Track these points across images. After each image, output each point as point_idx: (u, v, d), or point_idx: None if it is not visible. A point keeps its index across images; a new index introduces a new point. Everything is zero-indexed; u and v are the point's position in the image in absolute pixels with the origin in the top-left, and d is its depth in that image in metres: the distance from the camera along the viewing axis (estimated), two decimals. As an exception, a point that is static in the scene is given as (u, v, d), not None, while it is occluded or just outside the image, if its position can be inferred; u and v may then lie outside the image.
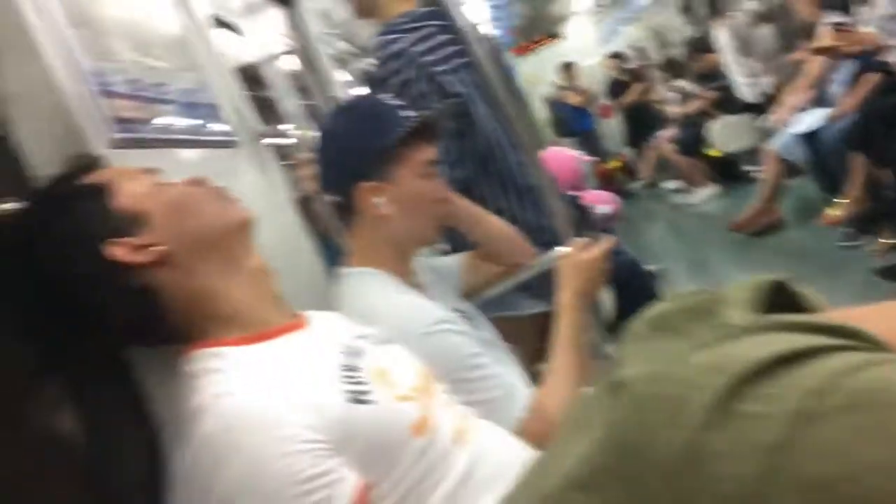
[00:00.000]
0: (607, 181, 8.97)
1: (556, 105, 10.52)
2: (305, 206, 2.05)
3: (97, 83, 1.20)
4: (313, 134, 2.39)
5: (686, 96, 7.84)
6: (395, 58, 1.87)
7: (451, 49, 1.93)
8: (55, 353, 1.07)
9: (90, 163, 1.06)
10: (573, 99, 9.99)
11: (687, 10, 9.20)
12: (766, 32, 6.03)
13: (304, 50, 2.87)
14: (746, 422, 0.43)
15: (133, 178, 1.04)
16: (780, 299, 0.57)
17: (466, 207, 1.65)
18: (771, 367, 0.45)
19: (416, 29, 1.93)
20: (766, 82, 5.81)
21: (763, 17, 6.01)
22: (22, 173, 1.15)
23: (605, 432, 0.48)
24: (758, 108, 5.86)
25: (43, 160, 1.15)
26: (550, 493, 0.50)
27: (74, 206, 0.98)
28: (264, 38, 2.47)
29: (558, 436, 0.59)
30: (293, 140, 1.87)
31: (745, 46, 5.90)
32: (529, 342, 1.77)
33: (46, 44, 1.14)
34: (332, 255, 1.88)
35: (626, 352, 0.55)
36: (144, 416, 1.11)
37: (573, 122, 10.07)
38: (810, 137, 4.13)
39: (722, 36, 6.22)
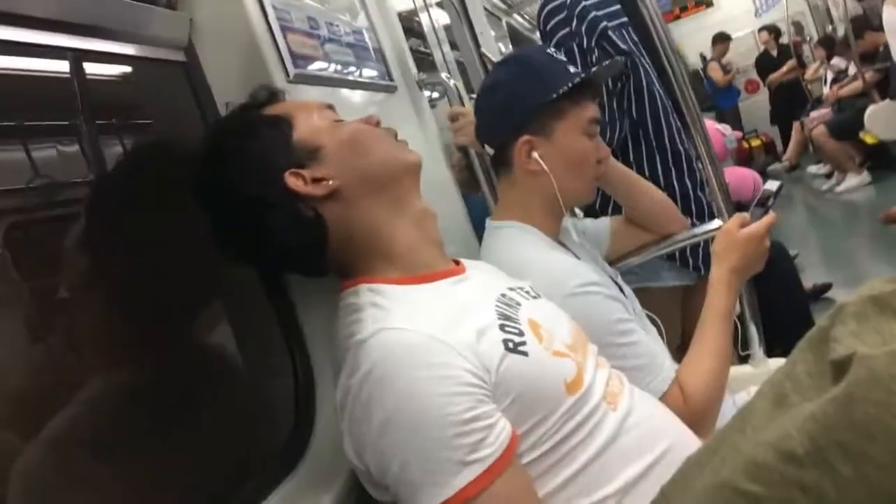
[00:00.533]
0: (747, 159, 8.61)
1: (699, 75, 10.10)
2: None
3: (279, 18, 1.24)
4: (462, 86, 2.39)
5: (843, 76, 7.37)
6: (559, 10, 1.84)
7: (614, 6, 1.88)
8: (224, 272, 1.13)
9: (273, 94, 1.10)
10: (717, 75, 9.56)
11: (855, -17, 8.59)
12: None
13: (459, 1, 2.85)
14: None
15: (312, 113, 1.07)
16: None
17: (622, 171, 1.61)
18: None
19: None
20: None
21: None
22: (202, 98, 1.20)
23: (833, 409, 0.46)
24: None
25: (223, 87, 1.20)
26: (759, 461, 0.48)
27: (260, 134, 1.02)
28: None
29: (749, 413, 0.57)
30: (447, 90, 1.86)
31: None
32: (668, 315, 1.72)
33: (238, -24, 1.17)
34: (471, 208, 1.89)
35: (841, 330, 0.52)
36: (299, 339, 1.16)
37: (716, 96, 9.65)
38: None
39: (891, 14, 5.77)
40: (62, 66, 1.18)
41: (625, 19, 1.88)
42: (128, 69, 1.28)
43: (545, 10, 1.87)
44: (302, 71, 1.25)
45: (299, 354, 1.15)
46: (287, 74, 1.20)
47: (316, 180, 1.01)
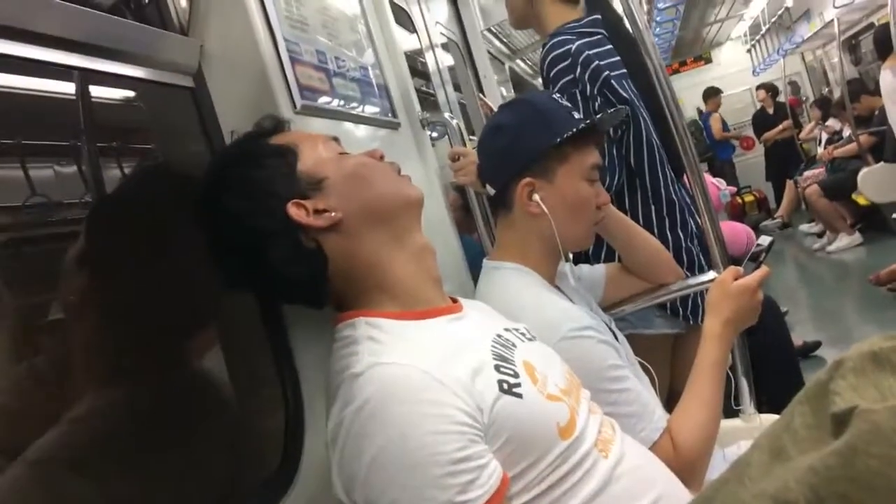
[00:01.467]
0: (740, 214, 8.68)
1: (700, 126, 10.23)
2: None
3: (289, 50, 1.25)
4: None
5: (838, 138, 7.48)
6: (564, 57, 1.86)
7: (615, 57, 1.91)
8: (220, 299, 1.13)
9: (279, 124, 1.10)
10: (716, 126, 9.69)
11: (852, 48, 8.76)
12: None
13: (463, 44, 2.90)
14: None
15: (318, 144, 1.07)
16: None
17: (621, 218, 1.62)
18: None
19: (586, 34, 1.92)
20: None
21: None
22: (208, 124, 1.21)
23: (834, 462, 0.45)
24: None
25: (230, 115, 1.21)
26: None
27: (265, 163, 1.02)
28: (429, 28, 2.50)
29: (746, 464, 0.57)
30: (449, 129, 1.88)
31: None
32: (658, 362, 1.72)
33: (251, 5, 1.19)
34: (465, 248, 1.90)
35: (840, 384, 0.52)
36: (291, 371, 1.15)
37: (714, 147, 9.77)
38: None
39: (887, 79, 5.87)
40: (68, 86, 1.19)
41: (624, 70, 1.92)
42: (134, 92, 1.29)
43: (549, 57, 1.90)
44: (309, 103, 1.26)
45: (291, 386, 1.14)
46: (294, 105, 1.21)
47: (318, 211, 1.01)
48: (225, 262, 1.05)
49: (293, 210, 0.99)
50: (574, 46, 1.86)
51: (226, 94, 1.21)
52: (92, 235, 1.08)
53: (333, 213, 1.01)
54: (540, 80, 2.13)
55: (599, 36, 1.95)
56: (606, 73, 1.84)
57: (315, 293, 1.05)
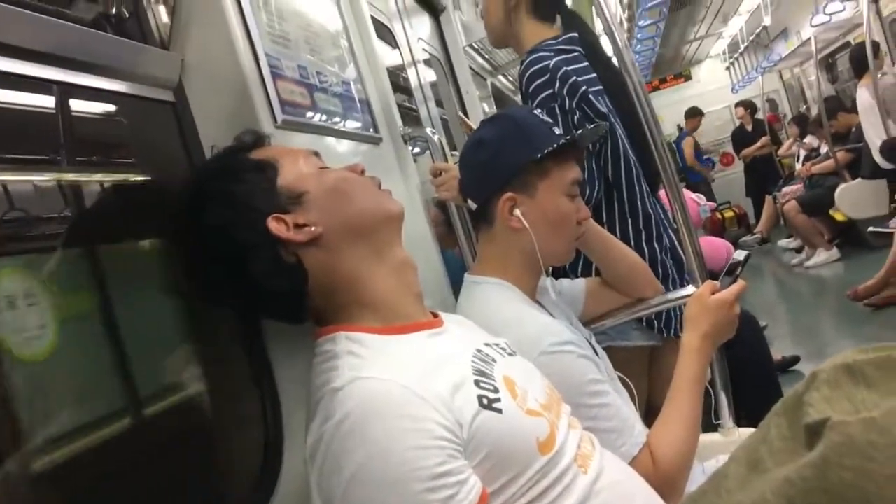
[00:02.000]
0: (720, 230, 8.76)
1: (675, 148, 10.34)
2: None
3: (271, 65, 1.25)
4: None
5: (815, 154, 7.58)
6: (542, 73, 1.88)
7: (592, 74, 1.93)
8: (199, 314, 1.12)
9: (260, 139, 1.10)
10: (689, 152, 9.78)
11: (828, 66, 8.89)
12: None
13: (445, 60, 2.92)
14: None
15: (298, 159, 1.07)
16: None
17: (601, 233, 1.63)
18: None
19: (563, 51, 1.95)
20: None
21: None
22: (189, 139, 1.21)
23: (809, 473, 0.46)
24: (893, 175, 5.59)
25: (211, 129, 1.20)
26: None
27: (245, 178, 1.02)
28: (411, 44, 2.52)
29: (723, 477, 0.57)
30: (431, 144, 1.88)
31: (886, 109, 5.63)
32: (635, 374, 1.74)
33: (233, 21, 1.19)
34: (446, 263, 1.90)
35: (814, 396, 0.53)
36: (270, 385, 1.14)
37: (686, 171, 9.86)
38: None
39: (864, 96, 5.97)
40: (47, 100, 1.18)
41: (601, 87, 1.94)
42: (114, 106, 1.28)
43: (528, 73, 1.91)
44: (290, 117, 1.26)
45: (270, 402, 1.13)
46: (275, 120, 1.21)
47: (299, 226, 1.01)
48: (205, 276, 1.04)
49: (273, 224, 0.99)
50: (552, 62, 1.88)
51: (206, 109, 1.21)
52: (69, 249, 1.07)
53: (314, 228, 1.01)
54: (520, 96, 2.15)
55: (576, 53, 1.97)
56: (584, 88, 1.86)
57: (295, 308, 1.05)
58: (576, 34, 2.01)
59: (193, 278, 1.05)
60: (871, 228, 5.90)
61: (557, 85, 1.86)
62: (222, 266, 1.01)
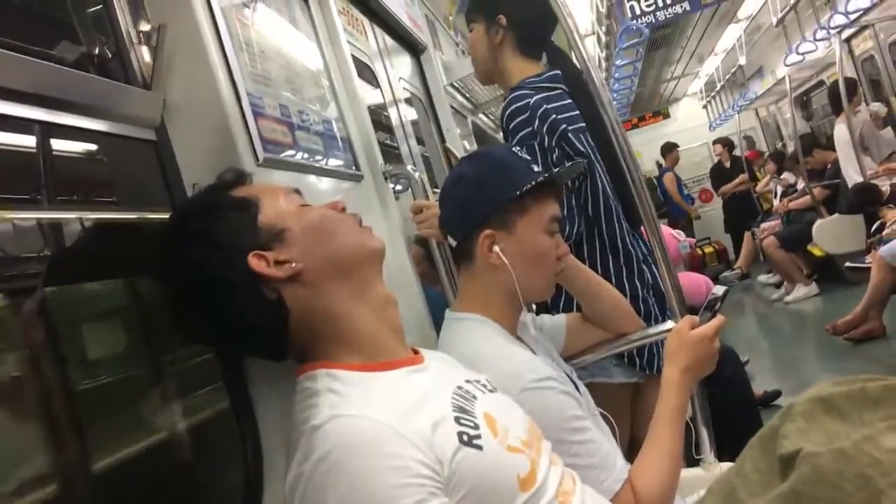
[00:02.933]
0: (700, 265, 8.82)
1: (651, 184, 10.45)
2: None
3: (252, 104, 1.26)
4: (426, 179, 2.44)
5: (792, 190, 7.69)
6: (523, 110, 1.90)
7: (573, 112, 1.95)
8: (180, 352, 1.12)
9: (241, 177, 1.11)
10: (671, 187, 9.89)
11: (803, 104, 9.06)
12: (888, 134, 5.87)
13: (426, 99, 2.95)
14: None
15: (279, 196, 1.08)
16: None
17: (581, 268, 1.65)
18: None
19: (545, 89, 1.97)
20: (883, 184, 5.64)
21: (888, 119, 5.87)
22: (170, 177, 1.21)
23: (783, 503, 0.46)
24: (869, 211, 5.68)
25: (192, 168, 1.21)
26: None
27: (226, 215, 1.02)
28: (392, 83, 2.55)
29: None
30: (412, 182, 1.90)
31: (862, 146, 5.74)
32: (617, 411, 1.74)
33: (215, 61, 1.20)
34: (428, 300, 1.90)
35: (789, 428, 0.54)
36: (250, 422, 1.14)
37: (669, 205, 9.96)
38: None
39: (840, 133, 6.08)
40: (28, 140, 1.18)
41: (582, 124, 1.96)
42: (96, 145, 1.29)
43: (509, 110, 1.94)
44: (271, 156, 1.27)
45: (251, 437, 1.12)
46: (257, 158, 1.22)
47: (279, 263, 1.01)
48: (186, 313, 1.04)
49: (254, 261, 1.00)
50: (532, 100, 1.90)
51: (188, 148, 1.22)
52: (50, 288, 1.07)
53: (294, 264, 1.02)
54: (502, 134, 2.18)
55: (559, 91, 2.00)
56: (564, 126, 1.89)
57: (276, 344, 1.05)
58: (559, 72, 2.04)
59: (174, 315, 1.05)
60: (847, 264, 5.97)
61: (537, 123, 1.88)
62: (203, 302, 1.01)
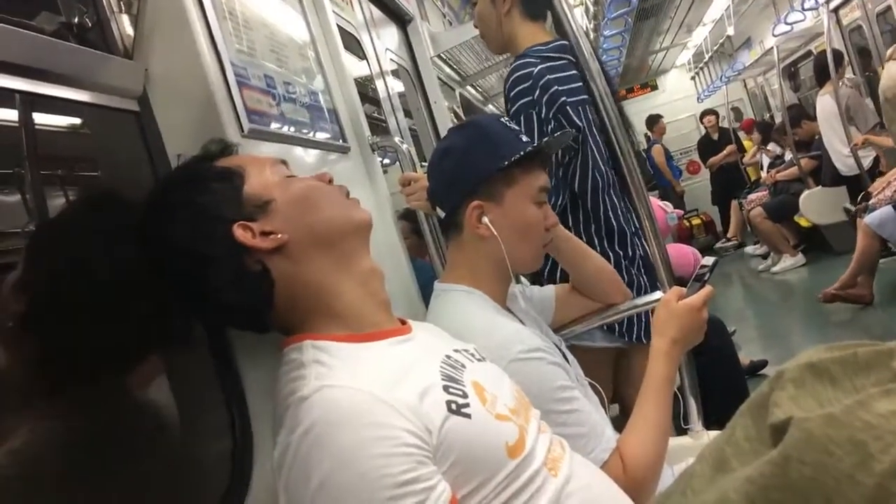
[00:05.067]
0: (688, 237, 8.86)
1: (642, 156, 10.43)
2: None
3: (237, 74, 1.25)
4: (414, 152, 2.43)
5: (780, 161, 7.71)
6: (525, 79, 1.90)
7: (576, 83, 1.94)
8: (164, 325, 1.11)
9: (226, 148, 1.10)
10: (660, 159, 9.90)
11: (791, 75, 9.05)
12: (871, 105, 5.88)
13: (413, 71, 2.93)
14: None
15: (265, 167, 1.07)
16: None
17: (571, 239, 1.64)
18: None
19: (549, 59, 1.96)
20: (867, 155, 5.66)
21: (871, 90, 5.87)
22: (154, 149, 1.20)
23: (770, 471, 0.47)
24: (854, 182, 5.71)
25: (176, 139, 1.20)
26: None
27: (210, 186, 1.01)
28: (379, 55, 2.52)
29: (690, 477, 0.58)
30: (399, 154, 1.89)
31: (848, 117, 5.75)
32: (600, 375, 1.76)
33: (198, 30, 1.18)
34: (417, 272, 1.90)
35: (780, 396, 0.54)
36: (238, 395, 1.13)
37: (658, 176, 9.97)
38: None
39: (825, 104, 6.09)
40: (10, 112, 1.16)
41: (584, 97, 1.94)
42: (78, 116, 1.27)
43: (512, 77, 1.93)
44: (256, 127, 1.26)
45: (238, 411, 1.12)
46: (241, 129, 1.21)
47: (265, 234, 1.01)
48: (170, 286, 1.03)
49: (239, 232, 0.99)
50: (536, 69, 1.90)
51: (172, 119, 1.20)
52: (33, 262, 1.05)
53: (280, 236, 1.01)
54: (490, 105, 2.18)
55: (564, 61, 1.98)
56: (563, 98, 1.88)
57: (260, 316, 1.05)
58: (566, 42, 2.02)
59: (159, 287, 1.04)
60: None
61: (538, 93, 1.88)
62: (188, 275, 1.00)
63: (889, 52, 2.06)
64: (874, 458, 0.43)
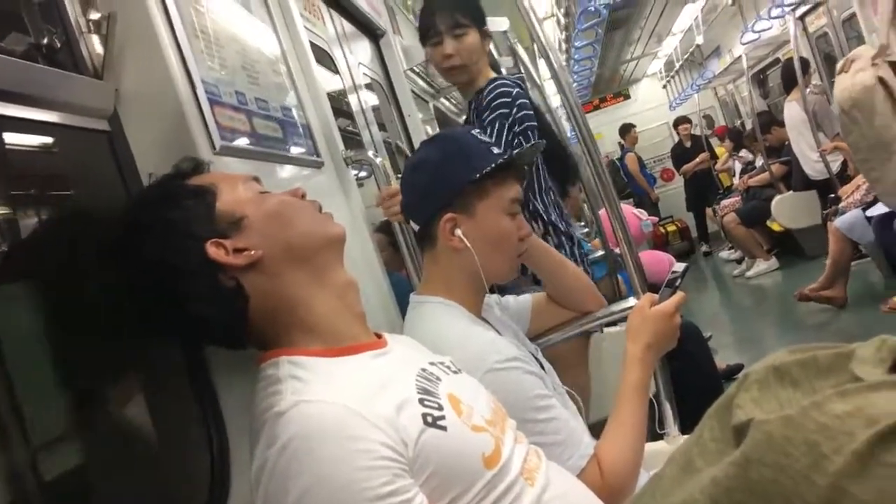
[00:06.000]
0: (664, 243, 8.93)
1: (614, 165, 10.54)
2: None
3: (208, 92, 1.25)
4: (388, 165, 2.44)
5: (751, 167, 7.80)
6: (506, 95, 2.11)
7: (532, 111, 2.19)
8: (140, 343, 1.11)
9: (198, 165, 1.10)
10: (634, 167, 9.99)
11: (760, 82, 9.17)
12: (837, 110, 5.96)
13: (387, 84, 2.94)
14: (893, 472, 0.43)
15: (237, 184, 1.07)
16: None
17: (545, 248, 1.66)
18: None
19: (519, 87, 2.20)
20: (835, 160, 5.75)
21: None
22: (125, 168, 1.19)
23: (732, 472, 0.48)
24: (824, 186, 5.79)
25: (148, 158, 1.19)
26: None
27: (183, 204, 1.02)
28: (352, 69, 2.53)
29: (660, 480, 0.59)
30: (373, 167, 1.90)
31: (816, 123, 5.84)
32: (574, 359, 1.80)
33: (168, 48, 1.19)
34: (394, 285, 1.91)
35: (744, 398, 0.55)
36: (215, 413, 1.13)
37: (632, 185, 10.05)
38: (882, 219, 4.05)
39: (792, 110, 6.18)
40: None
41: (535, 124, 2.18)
42: (50, 138, 1.26)
43: (497, 90, 2.14)
44: (228, 144, 1.26)
45: (215, 428, 1.12)
46: (213, 147, 1.21)
47: (238, 250, 1.01)
48: (145, 304, 1.03)
49: (212, 249, 0.99)
50: (514, 91, 2.15)
51: (143, 138, 1.20)
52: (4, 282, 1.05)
53: (253, 252, 1.01)
54: (465, 117, 2.31)
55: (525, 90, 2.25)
56: (528, 123, 2.11)
57: (236, 333, 1.05)
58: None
59: (134, 305, 1.04)
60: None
61: (514, 111, 2.10)
62: (162, 293, 1.00)
63: (840, 64, 2.12)
64: (828, 458, 0.44)
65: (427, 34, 2.26)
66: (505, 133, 2.06)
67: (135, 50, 1.20)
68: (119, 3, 1.18)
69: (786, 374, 0.56)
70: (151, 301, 1.02)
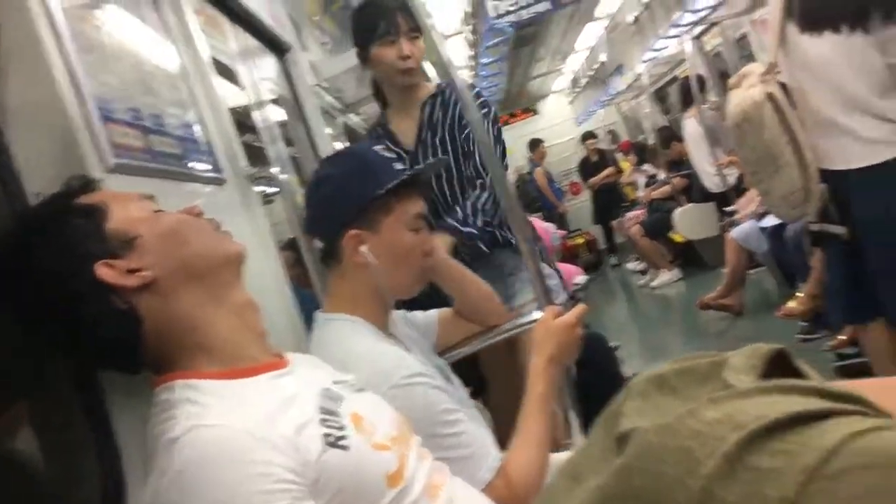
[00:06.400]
0: (573, 256, 9.12)
1: (524, 179, 10.74)
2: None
3: (100, 108, 1.21)
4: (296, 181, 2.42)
5: (654, 181, 8.07)
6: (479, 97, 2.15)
7: None
8: (28, 369, 1.06)
9: (88, 184, 1.06)
10: (542, 181, 10.20)
11: (661, 99, 9.51)
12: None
13: (293, 99, 2.91)
14: (759, 475, 0.45)
15: (129, 203, 1.04)
16: (778, 369, 0.59)
17: (451, 263, 1.67)
18: (785, 425, 0.46)
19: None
20: (731, 173, 6.01)
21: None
22: (11, 188, 1.14)
23: (614, 480, 0.49)
24: (722, 198, 6.04)
25: (35, 177, 1.14)
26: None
27: (70, 223, 0.98)
28: (256, 84, 2.50)
29: (552, 490, 0.60)
30: (279, 184, 1.88)
31: (713, 138, 6.10)
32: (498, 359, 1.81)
33: (55, 62, 1.14)
34: (302, 301, 1.89)
35: (628, 407, 0.57)
36: (108, 440, 1.09)
37: (542, 199, 10.25)
38: (775, 230, 4.25)
39: (690, 126, 6.44)
40: None
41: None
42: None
43: (454, 97, 2.16)
44: (123, 161, 1.22)
45: (109, 456, 1.07)
46: (105, 164, 1.17)
47: (131, 271, 0.98)
48: (32, 327, 0.99)
49: (102, 270, 0.95)
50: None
51: (30, 156, 1.15)
52: None
53: (146, 273, 0.98)
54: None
55: None
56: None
57: (129, 356, 1.01)
58: None
59: (22, 327, 0.99)
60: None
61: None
62: (50, 315, 0.96)
63: (731, 81, 2.24)
64: (700, 462, 0.46)
65: (377, 32, 2.20)
66: (449, 143, 2.06)
67: (20, 64, 1.14)
68: (3, 16, 1.13)
69: (665, 382, 0.58)
70: (40, 323, 0.98)
